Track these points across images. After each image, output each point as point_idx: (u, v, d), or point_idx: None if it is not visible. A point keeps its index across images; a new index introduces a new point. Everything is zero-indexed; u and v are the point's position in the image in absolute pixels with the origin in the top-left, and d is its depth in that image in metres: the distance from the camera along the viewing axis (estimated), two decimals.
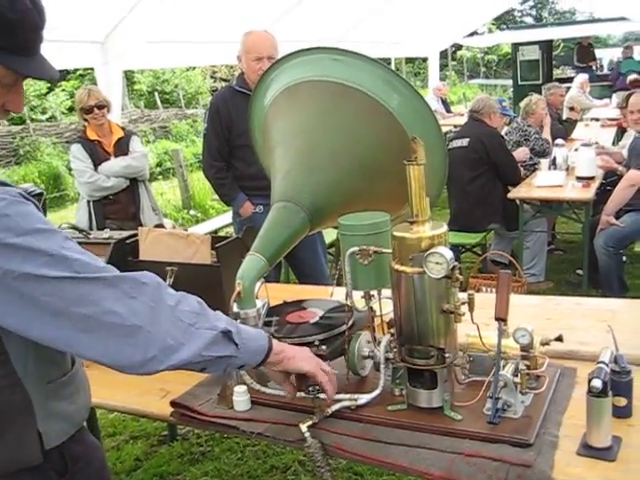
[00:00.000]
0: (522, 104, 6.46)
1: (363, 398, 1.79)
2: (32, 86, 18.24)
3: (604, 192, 5.34)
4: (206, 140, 4.23)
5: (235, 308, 1.75)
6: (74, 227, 2.60)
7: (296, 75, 2.05)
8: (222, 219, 9.00)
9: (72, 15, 4.89)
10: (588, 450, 1.56)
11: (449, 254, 1.57)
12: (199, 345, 1.35)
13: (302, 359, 1.62)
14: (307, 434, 1.69)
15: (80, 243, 2.48)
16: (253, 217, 4.11)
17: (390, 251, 1.69)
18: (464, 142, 5.47)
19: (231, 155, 4.14)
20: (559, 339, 1.82)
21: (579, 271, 5.49)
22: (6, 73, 1.27)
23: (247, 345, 1.46)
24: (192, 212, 9.79)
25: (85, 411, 1.58)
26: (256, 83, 2.20)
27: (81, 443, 1.55)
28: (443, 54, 18.62)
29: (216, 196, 8.12)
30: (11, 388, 1.34)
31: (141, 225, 4.18)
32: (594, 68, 15.51)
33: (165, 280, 2.25)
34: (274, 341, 1.56)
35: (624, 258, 5.26)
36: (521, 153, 5.93)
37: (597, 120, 9.55)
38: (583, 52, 15.43)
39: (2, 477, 1.38)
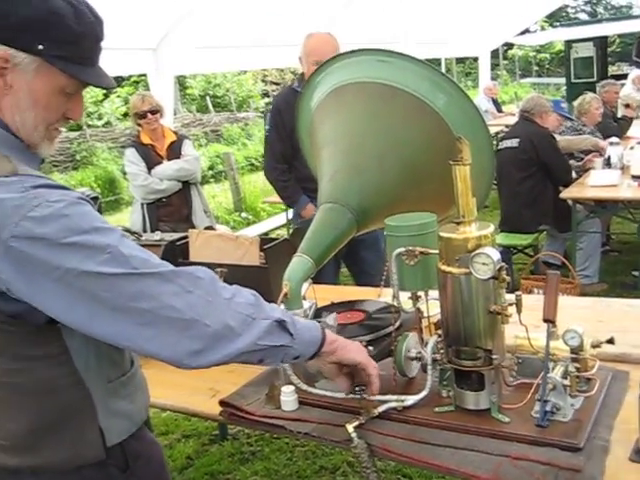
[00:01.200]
0: (576, 103, 6.34)
1: (410, 399, 1.78)
2: (88, 93, 18.69)
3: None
4: (268, 142, 4.18)
5: (282, 308, 1.77)
6: (127, 230, 2.66)
7: (342, 77, 2.06)
8: (273, 221, 9.08)
9: (126, 23, 5.01)
10: None
11: (496, 255, 1.55)
12: (255, 334, 1.36)
13: (355, 350, 1.62)
14: (354, 435, 1.70)
15: None
16: None
17: (437, 252, 1.69)
18: (514, 142, 5.40)
19: (293, 157, 4.07)
20: (610, 341, 1.79)
21: (635, 272, 5.36)
22: (69, 82, 1.33)
23: (302, 335, 1.47)
24: (243, 214, 9.89)
25: (145, 411, 1.62)
26: (303, 86, 2.22)
27: (141, 440, 1.59)
28: (494, 53, 18.38)
29: (267, 199, 8.25)
30: (73, 386, 1.39)
31: (193, 227, 4.25)
32: None
33: None
34: (327, 331, 1.57)
35: None
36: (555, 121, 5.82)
37: None
38: None
39: (66, 473, 1.43)
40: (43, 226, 1.19)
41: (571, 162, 5.73)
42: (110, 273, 1.23)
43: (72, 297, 1.23)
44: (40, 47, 1.25)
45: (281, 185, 4.21)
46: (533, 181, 5.33)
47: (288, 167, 4.13)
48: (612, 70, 17.79)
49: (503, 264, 1.57)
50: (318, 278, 3.87)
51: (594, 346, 1.77)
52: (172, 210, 4.75)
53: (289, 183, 4.16)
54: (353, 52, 2.08)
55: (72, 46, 1.29)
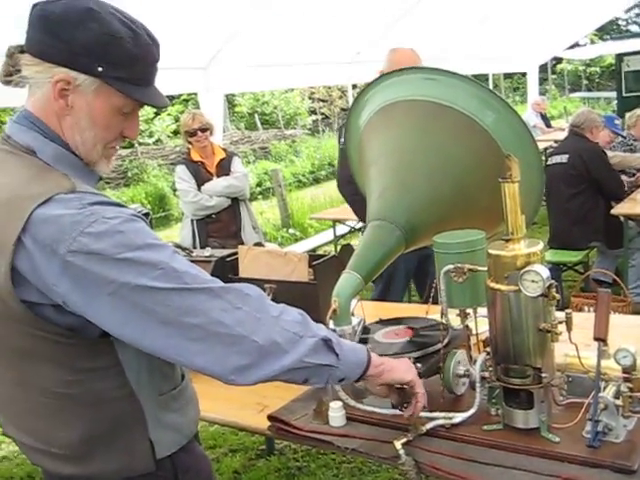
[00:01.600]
0: (627, 116, 6.25)
1: (458, 417, 1.78)
2: (140, 112, 19.07)
3: None
4: (342, 155, 4.07)
5: (331, 325, 1.79)
6: (177, 245, 2.72)
7: (391, 95, 2.08)
8: (320, 237, 9.10)
9: (177, 43, 5.12)
10: None
11: (545, 272, 1.55)
12: (301, 352, 1.38)
13: (403, 370, 1.63)
14: (401, 451, 1.70)
15: None
16: None
17: (485, 269, 1.69)
18: (563, 158, 5.33)
19: None
20: None
21: None
22: (126, 102, 1.38)
23: (347, 357, 1.48)
24: (291, 231, 9.95)
25: (194, 424, 1.65)
26: (351, 104, 2.25)
27: (191, 453, 1.62)
28: (542, 68, 18.19)
29: (314, 215, 8.29)
30: (125, 398, 1.42)
31: (242, 243, 4.30)
32: None
33: None
34: (373, 354, 1.57)
35: None
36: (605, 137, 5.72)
37: None
38: None
39: None
40: (99, 242, 1.24)
41: (623, 178, 5.63)
42: (162, 288, 1.26)
43: (125, 311, 1.27)
44: (100, 69, 1.30)
45: (355, 198, 3.97)
46: (583, 197, 5.24)
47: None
48: None
49: (553, 282, 1.56)
50: (386, 295, 3.87)
51: None
52: (221, 226, 4.82)
53: (359, 197, 4.14)
54: (402, 70, 2.10)
55: (130, 68, 1.34)
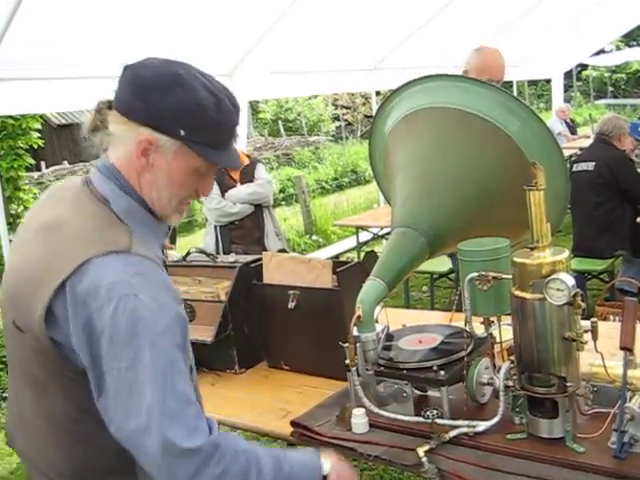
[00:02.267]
0: None
1: (482, 425, 1.77)
2: None
3: None
4: None
5: (355, 332, 1.79)
6: (202, 251, 2.74)
7: (415, 102, 2.09)
8: (343, 244, 9.12)
9: (202, 49, 5.16)
10: None
11: (571, 280, 1.54)
12: None
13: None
14: (424, 459, 1.70)
15: (207, 266, 2.62)
16: None
17: (510, 277, 1.68)
18: (590, 166, 5.27)
19: None
20: None
21: None
22: (204, 164, 1.42)
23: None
24: (314, 237, 9.97)
25: None
26: (376, 111, 2.26)
27: None
28: (567, 75, 18.04)
29: (337, 222, 8.30)
30: (119, 450, 1.37)
31: (265, 249, 4.31)
32: None
33: (287, 303, 2.33)
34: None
35: None
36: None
37: None
38: None
39: None
40: (119, 318, 1.27)
41: None
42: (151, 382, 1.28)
43: (114, 388, 1.30)
44: (182, 133, 1.36)
45: None
46: (610, 205, 5.19)
47: None
48: None
49: (578, 290, 1.56)
50: None
51: None
52: (244, 233, 4.83)
53: None
54: (426, 77, 2.11)
55: (210, 133, 1.39)
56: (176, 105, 1.34)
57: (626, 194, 5.20)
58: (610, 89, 31.58)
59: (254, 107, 20.26)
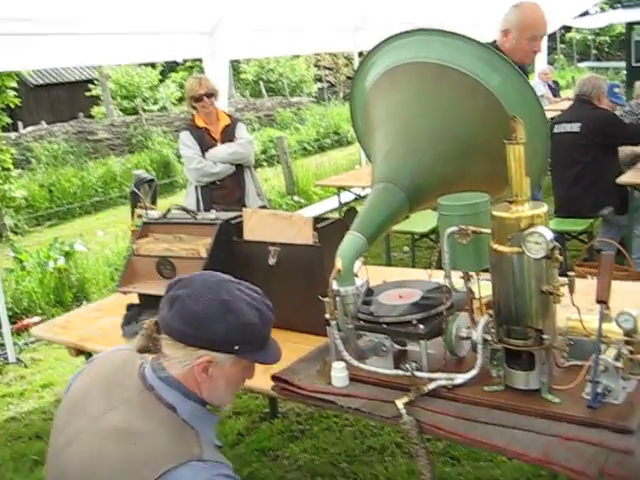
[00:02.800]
0: (636, 86, 6.19)
1: (460, 378, 1.80)
2: (144, 78, 19.02)
3: None
4: None
5: (335, 285, 1.80)
6: (183, 208, 2.73)
7: (396, 58, 2.07)
8: (325, 204, 9.11)
9: (181, 7, 5.08)
10: None
11: (549, 234, 1.55)
12: None
13: None
14: (403, 411, 1.73)
15: (188, 223, 2.61)
16: None
17: (489, 231, 1.69)
18: (574, 127, 5.27)
19: None
20: None
21: None
22: (253, 364, 1.64)
23: None
24: (296, 198, 9.95)
25: None
26: (357, 67, 2.24)
27: None
28: (551, 37, 17.92)
29: (319, 182, 8.28)
30: None
31: None
32: None
33: (268, 259, 2.34)
34: None
35: None
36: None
37: None
38: None
39: None
40: None
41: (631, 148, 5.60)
42: None
43: None
44: (236, 348, 1.53)
45: None
46: (596, 164, 5.20)
47: None
48: None
49: (556, 244, 1.57)
50: None
51: None
52: (225, 193, 4.80)
53: None
54: (407, 32, 2.08)
55: (258, 341, 1.58)
56: (230, 330, 1.51)
57: (622, 142, 5.26)
58: (593, 52, 31.51)
59: (235, 67, 20.02)
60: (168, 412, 1.50)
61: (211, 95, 4.68)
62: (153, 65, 19.16)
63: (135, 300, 2.70)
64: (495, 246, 1.65)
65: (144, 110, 16.30)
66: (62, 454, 1.53)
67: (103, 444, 1.47)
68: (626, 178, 5.11)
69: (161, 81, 19.58)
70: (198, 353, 1.51)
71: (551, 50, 21.88)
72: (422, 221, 5.59)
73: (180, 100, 18.23)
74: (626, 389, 1.68)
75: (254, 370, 1.68)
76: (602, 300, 1.62)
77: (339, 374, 1.92)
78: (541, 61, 12.64)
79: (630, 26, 14.15)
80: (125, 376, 1.59)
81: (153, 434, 1.45)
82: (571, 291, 1.63)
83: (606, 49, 31.76)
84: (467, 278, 1.87)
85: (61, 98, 20.67)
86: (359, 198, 7.18)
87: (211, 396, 1.58)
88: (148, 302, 2.63)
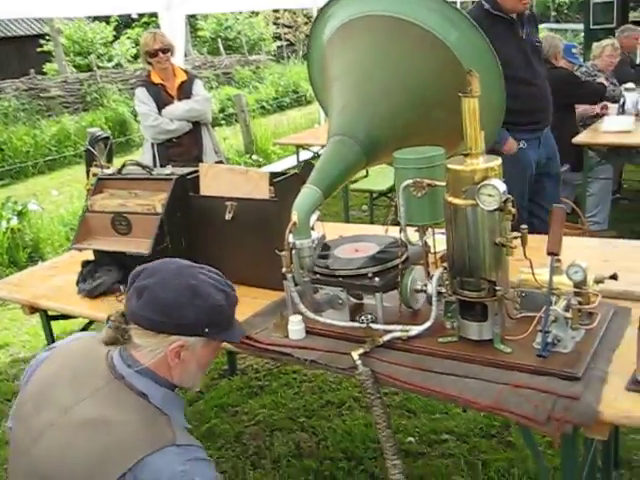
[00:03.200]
0: (593, 47, 6.24)
1: (415, 329, 1.83)
2: (98, 34, 18.50)
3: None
4: None
5: (291, 238, 1.80)
6: (138, 164, 2.69)
7: (353, 10, 2.05)
8: (284, 163, 9.07)
9: None
10: (637, 385, 1.57)
11: (502, 186, 1.57)
12: None
13: None
14: (358, 362, 1.75)
15: (143, 179, 2.58)
16: (519, 153, 3.92)
17: (444, 184, 1.70)
18: None
19: None
20: (614, 277, 1.81)
21: None
22: (220, 344, 1.70)
23: None
24: (254, 157, 9.88)
25: None
26: (314, 18, 2.21)
27: None
28: None
29: (278, 140, 8.22)
30: None
31: None
32: None
33: (224, 215, 2.32)
34: None
35: None
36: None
37: None
38: None
39: None
40: None
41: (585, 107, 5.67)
42: None
43: None
44: (206, 330, 1.57)
45: None
46: (553, 123, 5.26)
47: None
48: (634, 16, 17.25)
49: (509, 196, 1.59)
50: None
51: (597, 281, 1.79)
52: (182, 150, 4.73)
53: None
54: None
55: (226, 321, 1.63)
56: (200, 314, 1.55)
57: (579, 100, 5.33)
58: (553, 13, 31.60)
59: (192, 24, 19.59)
60: (139, 399, 1.52)
61: (167, 50, 4.58)
62: (107, 21, 18.64)
63: (90, 257, 2.67)
64: (450, 199, 1.67)
65: (98, 67, 15.90)
66: (30, 450, 1.52)
67: (75, 437, 1.47)
68: (581, 138, 5.18)
69: (116, 37, 19.07)
70: (170, 339, 1.54)
71: None
72: (381, 180, 5.61)
73: (136, 57, 17.80)
74: (574, 338, 1.73)
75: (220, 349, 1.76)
76: (553, 252, 1.65)
77: (296, 327, 1.94)
78: None
79: None
80: (92, 366, 1.59)
81: (126, 422, 1.47)
82: (523, 244, 1.66)
83: (565, 11, 31.88)
84: (423, 232, 1.89)
85: (10, 53, 19.97)
86: (317, 157, 7.14)
87: (182, 380, 1.61)
88: (103, 259, 2.60)
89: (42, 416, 1.54)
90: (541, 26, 28.37)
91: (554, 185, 4.21)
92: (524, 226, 1.67)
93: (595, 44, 6.21)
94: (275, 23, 22.06)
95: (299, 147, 6.99)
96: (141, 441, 1.44)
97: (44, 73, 16.59)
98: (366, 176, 5.78)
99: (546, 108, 4.03)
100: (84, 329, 3.07)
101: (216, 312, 1.58)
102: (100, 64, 17.00)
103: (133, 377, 1.55)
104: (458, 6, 12.89)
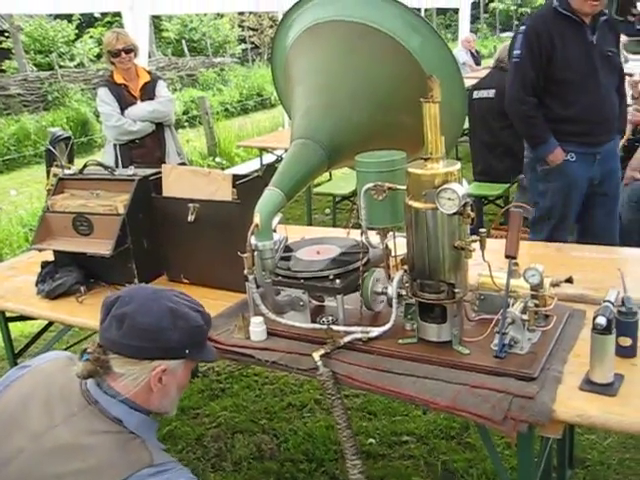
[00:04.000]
0: None
1: (375, 331, 1.85)
2: (60, 33, 18.24)
3: (633, 148, 5.24)
4: (519, 68, 3.57)
5: (253, 240, 1.81)
6: (100, 164, 2.67)
7: (318, 15, 2.07)
8: (247, 166, 9.04)
9: None
10: (590, 385, 1.61)
11: (461, 190, 1.60)
12: None
13: None
14: (319, 363, 1.77)
15: (105, 179, 2.56)
16: (565, 166, 3.60)
17: (404, 188, 1.73)
18: (490, 93, 5.39)
19: (545, 90, 3.53)
20: (569, 280, 1.86)
21: None
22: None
23: None
24: (217, 159, 9.84)
25: None
26: (279, 21, 2.22)
27: None
28: (475, 6, 18.16)
29: (241, 142, 8.20)
30: None
31: None
32: (634, 21, 14.84)
33: (187, 216, 2.32)
34: None
35: None
36: None
37: (630, 75, 9.32)
38: (625, 2, 14.65)
39: None
40: None
41: None
42: None
43: None
44: (187, 352, 1.57)
45: (530, 121, 3.59)
46: (510, 130, 5.32)
47: (537, 101, 3.57)
48: None
49: (468, 200, 1.62)
50: (554, 235, 3.56)
51: (553, 284, 1.84)
52: (145, 152, 4.70)
53: (538, 120, 3.58)
54: None
55: (204, 341, 1.65)
56: (183, 335, 1.55)
57: None
58: (515, 22, 32.09)
59: (157, 25, 19.43)
60: (114, 424, 1.50)
61: (130, 51, 4.54)
62: (69, 19, 18.39)
63: (50, 257, 2.64)
64: (410, 202, 1.69)
65: (60, 66, 15.68)
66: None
67: (47, 464, 1.43)
68: None
69: (78, 36, 18.83)
70: (153, 364, 1.53)
71: (475, 19, 22.18)
72: (344, 183, 5.65)
73: (98, 57, 17.59)
74: (531, 340, 1.77)
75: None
76: (510, 255, 1.68)
77: (257, 328, 1.95)
78: (464, 30, 12.83)
79: None
80: (66, 391, 1.55)
81: (100, 448, 1.44)
82: (482, 247, 1.69)
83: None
84: (383, 235, 1.91)
85: None
86: (281, 160, 7.15)
87: (161, 405, 1.60)
88: (63, 259, 2.58)
89: (12, 441, 1.49)
90: (504, 35, 28.87)
91: (606, 210, 3.78)
92: (482, 230, 1.70)
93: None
94: (240, 26, 22.02)
95: (263, 150, 7.00)
96: (116, 465, 1.42)
97: (3, 71, 16.31)
98: (329, 180, 5.82)
99: (607, 123, 3.61)
100: (43, 330, 3.04)
101: (197, 332, 1.59)
102: (62, 63, 16.77)
103: (107, 402, 1.52)
104: (422, 14, 13.04)
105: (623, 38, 10.29)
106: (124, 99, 4.60)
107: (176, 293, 1.62)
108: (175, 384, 1.60)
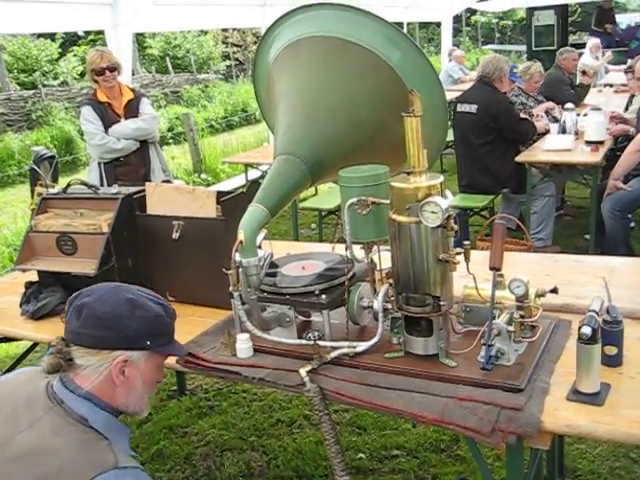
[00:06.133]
0: (522, 66, 6.38)
1: (362, 346, 1.85)
2: (43, 52, 18.21)
3: (614, 158, 5.29)
4: None
5: (237, 257, 1.80)
6: (83, 183, 2.66)
7: (298, 31, 2.07)
8: (232, 182, 9.04)
9: None
10: (577, 395, 1.62)
11: (444, 203, 1.61)
12: None
13: None
14: (306, 379, 1.76)
15: (89, 198, 2.55)
16: None
17: (388, 202, 1.73)
18: (472, 108, 5.40)
19: None
20: (554, 291, 1.87)
21: (587, 236, 5.49)
22: (163, 358, 1.68)
23: None
24: (203, 176, 9.83)
25: None
26: (260, 39, 2.23)
27: None
28: (457, 19, 18.29)
29: (227, 159, 8.19)
30: None
31: None
32: (611, 33, 15.09)
33: (171, 234, 2.31)
34: None
35: (632, 224, 5.26)
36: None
37: (611, 86, 9.44)
38: (603, 15, 14.94)
39: None
40: None
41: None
42: None
43: None
44: (148, 343, 1.57)
45: None
46: (491, 146, 5.36)
47: None
48: (573, 39, 17.82)
49: (452, 213, 1.63)
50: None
51: (538, 295, 1.85)
52: (130, 169, 4.69)
53: None
54: (311, 6, 2.09)
55: (167, 333, 1.64)
56: (141, 324, 1.55)
57: (508, 135, 5.39)
58: (497, 35, 32.42)
59: (140, 42, 19.46)
60: (78, 424, 1.48)
61: (113, 69, 4.54)
62: (52, 37, 18.38)
63: (34, 278, 2.62)
64: (394, 216, 1.70)
65: (44, 85, 15.65)
66: None
67: (10, 471, 1.42)
68: (523, 157, 5.30)
69: (62, 55, 18.82)
70: (113, 355, 1.53)
71: (457, 32, 22.36)
72: (329, 198, 5.66)
73: (82, 75, 17.56)
74: (517, 351, 1.77)
75: (163, 370, 1.73)
76: (495, 267, 1.69)
77: (243, 345, 1.94)
78: (447, 43, 12.92)
79: (530, 11, 14.60)
80: (32, 398, 1.54)
81: (64, 449, 1.43)
82: (467, 259, 1.70)
83: (509, 33, 32.72)
84: (368, 249, 1.91)
85: None
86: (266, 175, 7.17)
87: (129, 402, 1.59)
88: (48, 279, 2.56)
89: None
90: (486, 47, 29.15)
91: None
92: (466, 242, 1.71)
93: (522, 66, 6.35)
94: (224, 42, 22.09)
95: (248, 166, 7.00)
96: (80, 467, 1.40)
97: None
98: (315, 194, 5.83)
99: None
100: (28, 352, 3.01)
101: (157, 323, 1.59)
102: (45, 82, 16.74)
103: (73, 401, 1.51)
104: (405, 28, 13.15)
105: (594, 47, 10.43)
106: (108, 117, 4.60)
107: (139, 288, 1.64)
108: (140, 378, 1.58)
